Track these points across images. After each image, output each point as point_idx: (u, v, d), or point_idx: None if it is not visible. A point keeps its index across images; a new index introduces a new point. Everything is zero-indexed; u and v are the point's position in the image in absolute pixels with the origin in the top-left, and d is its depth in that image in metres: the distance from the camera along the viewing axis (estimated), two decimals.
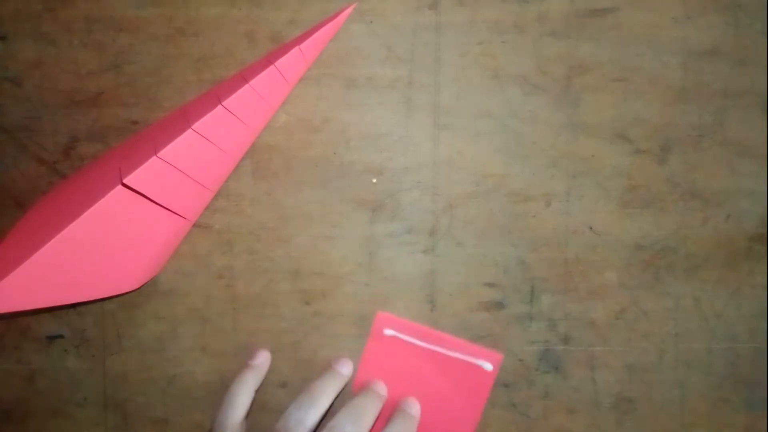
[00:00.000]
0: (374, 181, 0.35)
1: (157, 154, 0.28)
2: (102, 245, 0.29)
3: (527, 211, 0.35)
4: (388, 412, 0.34)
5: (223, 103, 0.30)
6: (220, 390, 0.35)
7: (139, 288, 0.35)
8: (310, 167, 0.35)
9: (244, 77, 0.31)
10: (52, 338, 0.36)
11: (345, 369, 0.35)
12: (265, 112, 0.33)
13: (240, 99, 0.30)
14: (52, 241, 0.27)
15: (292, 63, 0.32)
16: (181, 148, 0.29)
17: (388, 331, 0.35)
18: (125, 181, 0.27)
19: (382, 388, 0.35)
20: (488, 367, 0.35)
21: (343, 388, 0.34)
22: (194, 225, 0.35)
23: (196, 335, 0.36)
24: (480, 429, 0.35)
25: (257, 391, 0.34)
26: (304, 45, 0.32)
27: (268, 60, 0.32)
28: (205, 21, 0.35)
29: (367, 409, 0.32)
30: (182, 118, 0.31)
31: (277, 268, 0.35)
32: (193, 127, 0.29)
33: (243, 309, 0.35)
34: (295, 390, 0.35)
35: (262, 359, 0.35)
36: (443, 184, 0.35)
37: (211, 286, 0.35)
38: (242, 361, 0.35)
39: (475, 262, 0.35)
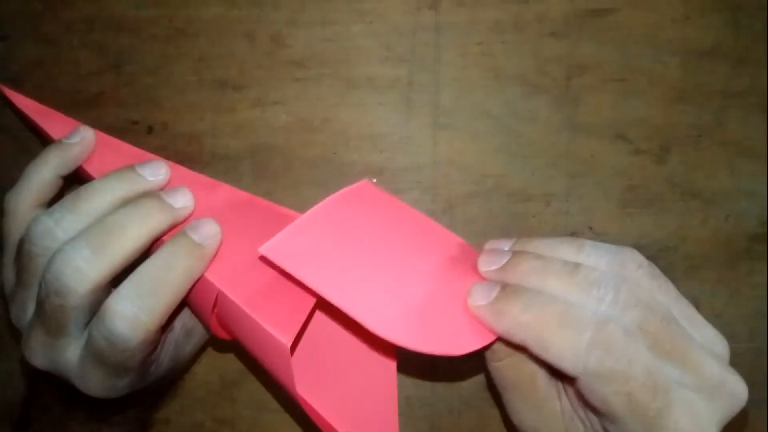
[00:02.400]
0: (374, 181, 0.35)
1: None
2: None
3: (527, 211, 0.35)
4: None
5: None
6: (221, 390, 0.35)
7: None
8: (310, 167, 0.35)
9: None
10: None
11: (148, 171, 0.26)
12: None
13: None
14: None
15: None
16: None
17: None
18: None
19: (210, 231, 0.24)
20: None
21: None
22: None
23: None
24: (480, 429, 0.35)
25: (257, 392, 0.34)
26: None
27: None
28: (205, 21, 0.35)
29: (167, 271, 0.23)
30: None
31: None
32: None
33: None
34: None
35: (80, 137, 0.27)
36: (443, 184, 0.35)
37: None
38: (242, 360, 0.35)
39: None
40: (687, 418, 0.21)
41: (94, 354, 0.23)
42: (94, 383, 0.24)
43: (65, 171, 0.27)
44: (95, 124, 0.35)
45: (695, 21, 0.35)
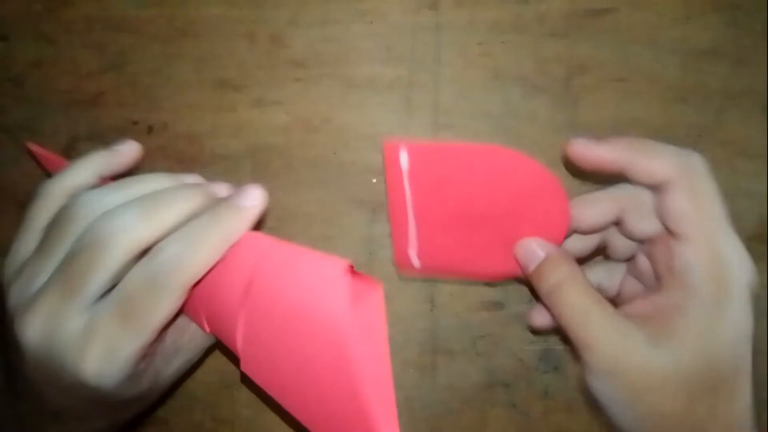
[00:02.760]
0: (374, 181, 0.35)
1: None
2: None
3: None
4: None
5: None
6: (220, 390, 0.35)
7: None
8: (310, 167, 0.35)
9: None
10: None
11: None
12: None
13: None
14: None
15: None
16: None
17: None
18: None
19: (251, 196, 0.25)
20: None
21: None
22: None
23: None
24: (480, 429, 0.35)
25: (257, 392, 0.34)
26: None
27: None
28: (205, 21, 0.35)
29: (207, 233, 0.23)
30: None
31: None
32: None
33: None
34: None
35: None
36: None
37: None
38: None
39: None
40: None
41: (118, 304, 0.23)
42: (92, 357, 0.23)
43: (105, 173, 0.28)
44: (95, 124, 0.35)
45: (695, 21, 0.35)
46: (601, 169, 0.26)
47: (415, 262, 0.31)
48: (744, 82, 0.35)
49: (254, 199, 0.24)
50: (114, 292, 0.23)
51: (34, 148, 0.32)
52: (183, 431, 0.36)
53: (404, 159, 0.28)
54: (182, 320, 0.28)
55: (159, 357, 0.27)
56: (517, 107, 0.35)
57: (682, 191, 0.24)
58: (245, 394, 0.35)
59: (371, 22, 0.35)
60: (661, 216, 0.25)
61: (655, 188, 0.25)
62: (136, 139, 0.35)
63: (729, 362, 0.24)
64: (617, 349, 0.24)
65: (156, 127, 0.35)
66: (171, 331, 0.28)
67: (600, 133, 0.35)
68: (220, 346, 0.35)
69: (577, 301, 0.25)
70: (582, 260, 0.29)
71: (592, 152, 0.26)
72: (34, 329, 0.23)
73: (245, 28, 0.35)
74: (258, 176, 0.35)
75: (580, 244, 0.29)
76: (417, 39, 0.35)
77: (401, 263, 0.31)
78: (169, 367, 0.28)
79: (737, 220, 0.35)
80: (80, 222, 0.24)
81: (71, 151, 0.35)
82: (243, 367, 0.25)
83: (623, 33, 0.35)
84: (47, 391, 0.25)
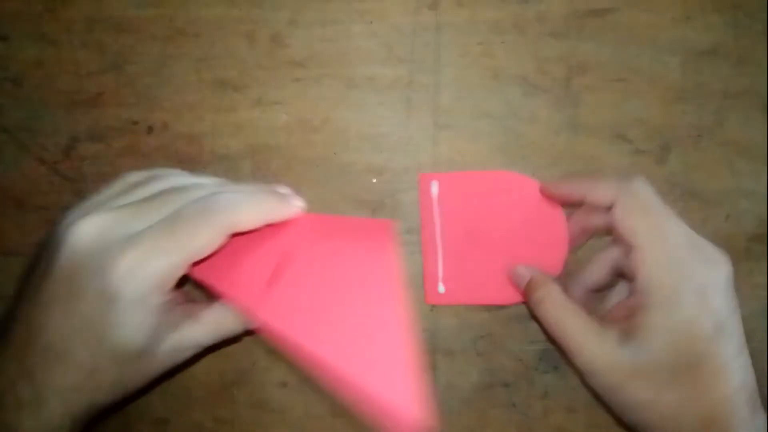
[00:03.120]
0: (374, 181, 0.35)
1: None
2: None
3: None
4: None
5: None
6: (220, 390, 0.35)
7: None
8: (310, 167, 0.35)
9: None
10: None
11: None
12: None
13: None
14: None
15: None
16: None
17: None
18: None
19: (298, 201, 0.29)
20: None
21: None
22: None
23: None
24: (480, 428, 0.35)
25: (257, 392, 0.34)
26: None
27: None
28: (205, 21, 0.35)
29: (259, 198, 0.27)
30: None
31: None
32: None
33: None
34: (295, 390, 0.35)
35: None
36: None
37: None
38: (242, 360, 0.35)
39: None
40: None
41: (171, 221, 0.25)
42: (126, 259, 0.24)
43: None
44: (95, 124, 0.35)
45: (695, 21, 0.35)
46: (567, 200, 0.33)
47: (441, 288, 0.35)
48: (744, 82, 0.35)
49: (300, 202, 0.30)
50: (171, 213, 0.25)
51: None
52: (183, 431, 0.36)
53: (435, 188, 0.35)
54: (193, 307, 0.28)
55: (169, 320, 0.27)
56: (517, 107, 0.35)
57: (624, 207, 0.28)
58: (245, 394, 0.35)
59: (371, 22, 0.35)
60: (615, 232, 0.29)
61: (608, 210, 0.29)
62: (137, 138, 0.35)
63: (695, 352, 0.26)
64: (593, 351, 0.28)
65: (156, 127, 0.35)
66: (183, 307, 0.28)
67: (600, 133, 0.35)
68: (220, 347, 0.35)
69: (555, 314, 0.29)
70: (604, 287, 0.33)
71: (558, 190, 0.33)
72: (88, 232, 0.25)
73: (245, 28, 0.35)
74: (258, 176, 0.35)
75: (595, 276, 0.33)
76: (417, 39, 0.35)
77: (430, 292, 0.35)
78: (172, 338, 0.27)
79: (737, 220, 0.35)
80: (164, 181, 0.28)
81: (71, 151, 0.35)
82: (262, 315, 0.26)
83: (623, 33, 0.35)
84: (54, 312, 0.25)
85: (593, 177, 0.31)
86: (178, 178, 0.29)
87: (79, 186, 0.35)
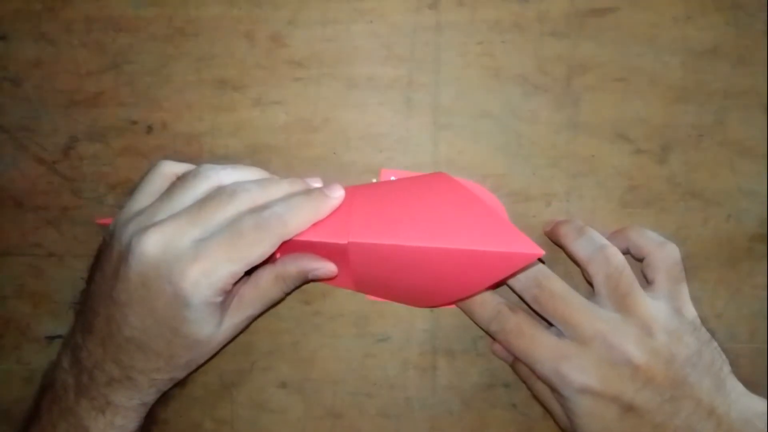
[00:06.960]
0: (374, 181, 0.35)
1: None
2: None
3: (527, 211, 0.35)
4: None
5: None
6: (220, 390, 0.35)
7: None
8: (310, 167, 0.35)
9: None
10: (51, 338, 0.36)
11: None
12: None
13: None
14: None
15: None
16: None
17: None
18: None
19: (337, 191, 0.31)
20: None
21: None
22: None
23: None
24: (480, 429, 0.35)
25: (256, 393, 0.34)
26: None
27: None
28: (205, 21, 0.35)
29: (303, 205, 0.30)
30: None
31: None
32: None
33: None
34: (295, 390, 0.35)
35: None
36: None
37: None
38: (242, 360, 0.35)
39: None
40: None
41: (230, 235, 0.28)
42: (195, 269, 0.28)
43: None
44: (95, 124, 0.35)
45: (696, 21, 0.35)
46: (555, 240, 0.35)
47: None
48: (745, 82, 0.35)
49: (337, 191, 0.31)
50: (227, 227, 0.28)
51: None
52: (183, 431, 0.36)
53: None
54: (240, 288, 0.32)
55: (226, 306, 0.31)
56: (517, 107, 0.35)
57: (575, 245, 0.33)
58: (245, 394, 0.35)
59: (371, 22, 0.35)
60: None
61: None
62: (137, 138, 0.35)
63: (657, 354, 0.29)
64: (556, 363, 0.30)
65: (155, 126, 0.35)
66: (239, 289, 0.32)
67: (600, 132, 0.35)
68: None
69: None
70: None
71: (550, 232, 0.35)
72: (155, 242, 0.28)
73: (245, 28, 0.35)
74: None
75: None
76: (417, 39, 0.35)
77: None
78: (229, 321, 0.31)
79: (738, 220, 0.35)
80: (209, 180, 0.30)
81: (70, 151, 0.35)
82: (353, 238, 0.30)
83: (624, 32, 0.35)
84: (133, 311, 0.29)
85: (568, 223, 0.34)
86: (219, 173, 0.31)
87: (78, 185, 0.35)
